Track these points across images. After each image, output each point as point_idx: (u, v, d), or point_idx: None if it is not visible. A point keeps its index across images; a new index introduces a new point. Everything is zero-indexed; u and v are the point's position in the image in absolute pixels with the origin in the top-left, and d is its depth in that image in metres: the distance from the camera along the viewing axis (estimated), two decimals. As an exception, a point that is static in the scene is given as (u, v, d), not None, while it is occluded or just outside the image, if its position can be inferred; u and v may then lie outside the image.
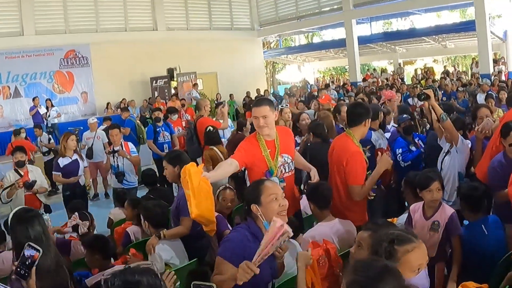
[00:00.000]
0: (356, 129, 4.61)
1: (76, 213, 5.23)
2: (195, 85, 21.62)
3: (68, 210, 5.86)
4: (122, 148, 7.81)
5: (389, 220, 4.58)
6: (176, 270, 4.22)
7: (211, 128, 7.44)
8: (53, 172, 7.46)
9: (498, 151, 4.56)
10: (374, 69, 31.15)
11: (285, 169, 4.33)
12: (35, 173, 6.90)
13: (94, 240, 4.17)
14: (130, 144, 8.18)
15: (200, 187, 3.50)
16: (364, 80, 23.85)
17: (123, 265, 4.25)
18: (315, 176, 4.41)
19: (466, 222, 4.26)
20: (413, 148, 5.99)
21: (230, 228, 4.48)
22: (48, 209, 6.47)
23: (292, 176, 4.43)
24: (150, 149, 10.03)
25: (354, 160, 4.43)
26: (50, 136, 11.98)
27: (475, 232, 3.94)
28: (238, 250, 2.91)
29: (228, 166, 4.01)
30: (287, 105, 8.51)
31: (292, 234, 2.76)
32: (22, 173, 6.74)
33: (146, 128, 11.02)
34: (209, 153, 7.20)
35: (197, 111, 8.77)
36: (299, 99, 16.07)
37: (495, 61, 21.34)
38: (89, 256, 4.10)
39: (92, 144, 10.49)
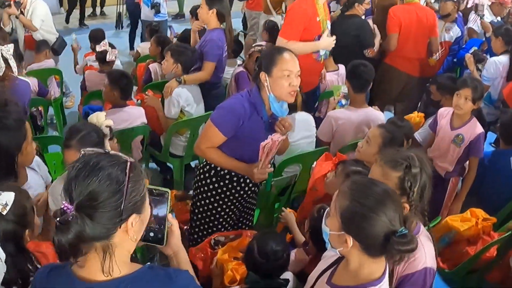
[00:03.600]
0: None
1: (106, 40, 5.12)
2: None
3: (90, 39, 5.72)
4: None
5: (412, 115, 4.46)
6: (189, 119, 4.24)
7: None
8: None
9: None
10: None
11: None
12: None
13: (119, 77, 4.04)
14: None
15: None
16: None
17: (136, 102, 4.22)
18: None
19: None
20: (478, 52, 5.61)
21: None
22: (56, 52, 6.10)
23: None
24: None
25: None
26: None
27: (501, 162, 3.77)
28: (230, 119, 2.77)
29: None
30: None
31: (284, 136, 2.76)
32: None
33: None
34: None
35: None
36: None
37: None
38: (108, 90, 4.01)
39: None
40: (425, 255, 2.01)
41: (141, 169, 1.44)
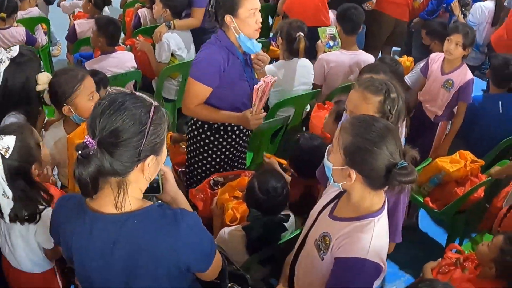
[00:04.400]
0: None
1: None
2: None
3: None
4: None
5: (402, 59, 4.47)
6: (181, 64, 4.22)
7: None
8: None
9: None
10: None
11: None
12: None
13: (107, 23, 3.98)
14: None
15: None
16: None
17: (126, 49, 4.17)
18: None
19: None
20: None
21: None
22: (48, 2, 6.03)
23: None
24: None
25: None
26: None
27: (490, 105, 3.80)
28: (211, 70, 2.73)
29: None
30: None
31: (276, 78, 2.76)
32: None
33: None
34: None
35: None
36: None
37: None
38: (95, 36, 3.98)
39: None
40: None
41: (164, 113, 1.48)
